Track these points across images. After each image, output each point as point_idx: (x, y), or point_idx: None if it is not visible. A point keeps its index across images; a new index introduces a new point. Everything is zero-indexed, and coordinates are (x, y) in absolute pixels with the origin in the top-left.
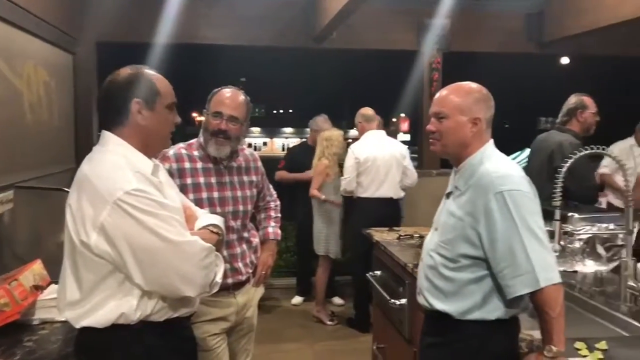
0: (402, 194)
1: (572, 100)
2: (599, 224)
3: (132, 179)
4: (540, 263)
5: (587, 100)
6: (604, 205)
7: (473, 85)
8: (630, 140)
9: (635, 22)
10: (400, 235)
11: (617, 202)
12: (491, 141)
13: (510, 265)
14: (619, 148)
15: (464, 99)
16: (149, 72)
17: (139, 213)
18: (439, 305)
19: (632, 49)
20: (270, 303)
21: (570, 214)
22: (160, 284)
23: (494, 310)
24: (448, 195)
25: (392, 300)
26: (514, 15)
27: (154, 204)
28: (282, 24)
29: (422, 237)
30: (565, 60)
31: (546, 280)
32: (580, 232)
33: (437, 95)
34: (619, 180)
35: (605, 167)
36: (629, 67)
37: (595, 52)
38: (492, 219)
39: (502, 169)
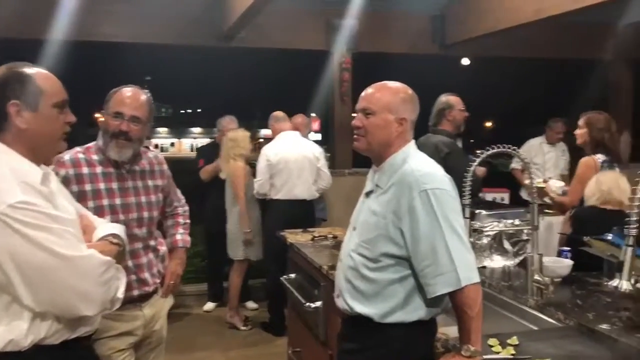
0: (316, 195)
1: (440, 101)
2: (505, 220)
3: (16, 190)
4: (461, 262)
5: (454, 99)
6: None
7: (401, 85)
8: (541, 138)
9: (534, 24)
10: (315, 237)
11: (526, 196)
12: (413, 141)
13: (433, 264)
14: (529, 145)
15: (393, 98)
16: (29, 69)
17: (26, 228)
18: (360, 307)
19: (531, 51)
20: (181, 311)
21: (477, 211)
22: (55, 304)
23: (415, 311)
24: (368, 194)
25: (307, 304)
26: (420, 17)
27: (42, 216)
28: (188, 21)
29: (336, 238)
30: (465, 61)
31: (467, 279)
32: (488, 228)
33: (366, 91)
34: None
35: (517, 162)
36: (528, 68)
37: (497, 54)
38: (415, 217)
39: (425, 167)
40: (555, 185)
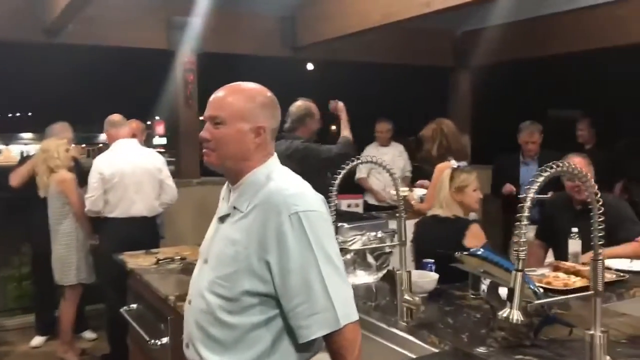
0: (159, 210)
1: (302, 107)
2: (368, 233)
3: None
4: (339, 297)
5: (314, 108)
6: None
7: (257, 87)
8: (375, 143)
9: (382, 29)
10: (159, 259)
11: (374, 201)
12: (275, 155)
13: (306, 302)
14: (368, 150)
15: (247, 103)
16: None
17: None
18: (216, 359)
19: (379, 55)
20: (3, 349)
21: (340, 224)
22: None
23: (285, 359)
24: (222, 218)
25: (152, 341)
26: (270, 18)
27: None
28: (6, 13)
29: (184, 259)
30: (312, 65)
31: (346, 317)
32: (351, 243)
33: (215, 95)
34: (373, 182)
35: (361, 171)
36: (376, 73)
37: (346, 58)
38: (285, 245)
39: (294, 186)
40: (417, 193)
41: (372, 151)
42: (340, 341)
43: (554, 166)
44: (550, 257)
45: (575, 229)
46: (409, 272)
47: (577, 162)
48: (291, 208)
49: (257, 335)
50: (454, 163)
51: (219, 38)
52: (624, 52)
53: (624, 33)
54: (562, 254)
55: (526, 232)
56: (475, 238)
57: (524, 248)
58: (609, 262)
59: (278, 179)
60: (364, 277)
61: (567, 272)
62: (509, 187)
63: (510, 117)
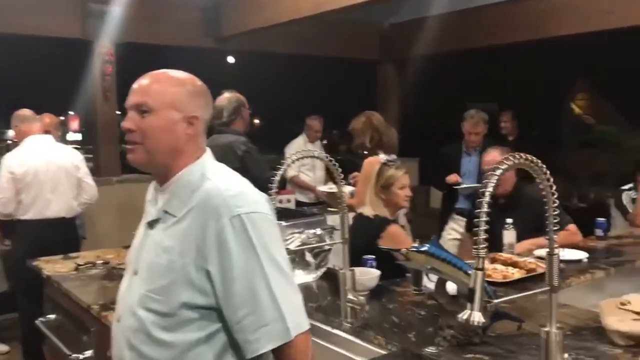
0: (78, 211)
1: (233, 98)
2: (307, 231)
3: None
4: (289, 305)
5: (243, 97)
6: None
7: (188, 75)
8: (303, 137)
9: (312, 19)
10: (79, 265)
11: (303, 198)
12: (209, 151)
13: (253, 313)
14: (296, 145)
15: (179, 89)
16: None
17: None
18: None
19: (308, 47)
20: None
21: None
22: None
23: None
24: (152, 223)
25: (74, 355)
26: (193, 7)
27: None
28: None
29: (107, 264)
30: (236, 57)
31: (297, 327)
32: (290, 242)
33: (139, 81)
34: (304, 177)
35: (293, 169)
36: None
37: (273, 49)
38: (227, 252)
39: (235, 185)
40: (348, 188)
41: (299, 146)
42: (291, 353)
43: (512, 159)
44: None
45: (509, 220)
46: (353, 271)
47: (495, 156)
48: (232, 210)
49: (198, 353)
50: (382, 157)
51: (139, 27)
52: (546, 45)
53: (545, 27)
54: (491, 246)
55: (486, 228)
56: (391, 240)
57: (483, 246)
58: (543, 252)
59: (215, 178)
60: (302, 277)
61: (505, 263)
62: (454, 177)
63: (436, 110)
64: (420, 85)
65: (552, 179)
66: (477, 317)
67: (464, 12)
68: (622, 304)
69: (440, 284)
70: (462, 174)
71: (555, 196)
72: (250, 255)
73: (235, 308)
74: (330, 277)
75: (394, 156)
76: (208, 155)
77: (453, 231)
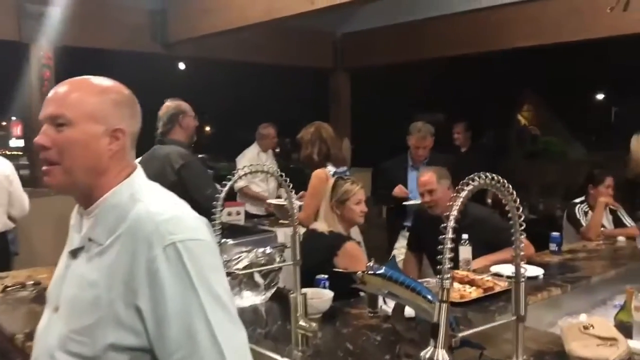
0: (10, 226)
1: (171, 106)
2: (257, 249)
3: None
4: (231, 347)
5: (185, 105)
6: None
7: (112, 82)
8: (255, 147)
9: (263, 26)
10: (7, 286)
11: (254, 210)
12: (140, 167)
13: (191, 355)
14: (247, 157)
15: (100, 99)
16: None
17: None
18: None
19: (258, 55)
20: None
21: (223, 240)
22: None
23: None
24: (75, 253)
25: None
26: (138, 11)
27: None
28: None
29: (39, 284)
30: (185, 63)
31: None
32: (237, 262)
33: (54, 91)
34: (255, 188)
35: (243, 180)
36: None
37: (223, 56)
38: (160, 286)
39: (169, 208)
40: (298, 202)
41: (252, 157)
42: None
43: (477, 179)
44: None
45: (465, 235)
46: (305, 295)
47: (430, 177)
48: (166, 238)
49: None
50: (330, 169)
51: (80, 30)
52: (498, 57)
53: (497, 40)
54: (434, 264)
55: (450, 256)
56: (348, 258)
57: (448, 276)
58: (499, 269)
59: (147, 200)
60: (251, 298)
61: (462, 281)
62: (400, 189)
63: (388, 120)
64: (373, 95)
65: (518, 200)
66: (442, 356)
67: (414, 24)
68: (585, 327)
69: (399, 309)
70: (410, 189)
71: (522, 219)
72: (186, 289)
73: (170, 350)
74: (281, 299)
75: (344, 168)
76: (138, 174)
77: (402, 248)
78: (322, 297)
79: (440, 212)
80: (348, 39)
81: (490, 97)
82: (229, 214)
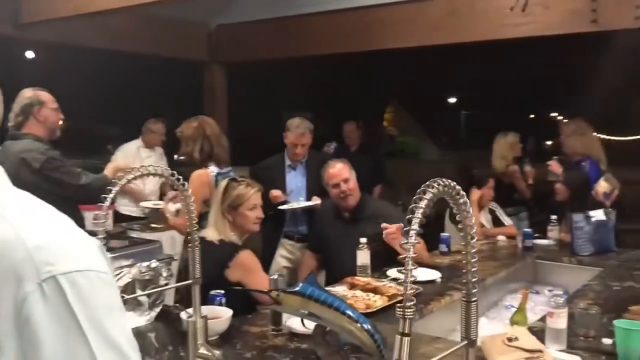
0: None
1: (25, 96)
2: (141, 264)
3: None
4: None
5: (45, 95)
6: None
7: None
8: (137, 142)
9: (132, 12)
10: None
11: (125, 210)
12: (2, 171)
13: None
14: (126, 150)
15: None
16: None
17: None
18: None
19: (124, 43)
20: None
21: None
22: None
23: None
24: None
25: None
26: None
27: None
28: None
29: None
30: (39, 49)
31: None
32: (118, 278)
33: None
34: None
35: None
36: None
37: (84, 43)
38: (33, 336)
39: (46, 228)
40: (174, 206)
41: (131, 151)
42: None
43: (436, 186)
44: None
45: (363, 240)
46: (206, 319)
47: (341, 169)
48: (43, 270)
49: None
50: (212, 170)
51: None
52: (372, 58)
53: (373, 40)
54: (335, 264)
55: (413, 278)
56: (243, 269)
57: (410, 304)
58: (398, 273)
59: (14, 216)
60: (133, 320)
61: (365, 289)
62: (276, 193)
63: (266, 117)
64: (251, 90)
65: (469, 205)
66: None
67: (292, 19)
68: (510, 339)
69: (320, 331)
70: (288, 190)
71: (473, 223)
72: (72, 338)
73: None
74: (168, 319)
75: (227, 169)
76: (1, 179)
77: (283, 259)
78: (219, 316)
79: (354, 202)
80: (224, 31)
81: (367, 96)
82: (95, 218)
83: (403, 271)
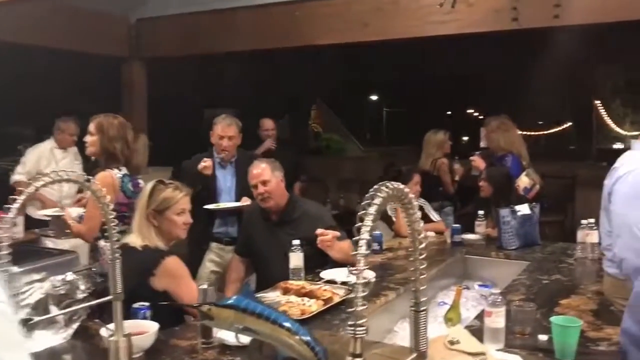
0: None
1: None
2: (55, 278)
3: None
4: None
5: None
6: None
7: None
8: (50, 142)
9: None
10: None
11: (39, 214)
12: None
13: None
14: (39, 152)
15: None
16: None
17: None
18: None
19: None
20: None
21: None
22: None
23: None
24: None
25: None
26: None
27: None
28: None
29: None
30: None
31: None
32: (28, 295)
33: None
34: (44, 190)
35: (21, 173)
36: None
37: None
38: None
39: None
40: (75, 211)
41: (44, 153)
42: None
43: (384, 190)
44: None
45: (296, 242)
46: (129, 337)
47: (265, 169)
48: None
49: None
50: (116, 172)
51: None
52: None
53: (301, 35)
54: (265, 269)
55: (365, 293)
56: (169, 276)
57: (362, 321)
58: (332, 275)
59: None
60: (47, 339)
61: (299, 293)
62: (206, 162)
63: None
64: (174, 87)
65: (417, 210)
66: None
67: (217, 13)
68: (451, 342)
69: (256, 345)
70: (219, 190)
71: (422, 235)
72: None
73: None
74: (86, 336)
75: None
76: None
77: (211, 263)
78: (144, 331)
79: (274, 205)
80: (144, 25)
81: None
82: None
83: (352, 286)
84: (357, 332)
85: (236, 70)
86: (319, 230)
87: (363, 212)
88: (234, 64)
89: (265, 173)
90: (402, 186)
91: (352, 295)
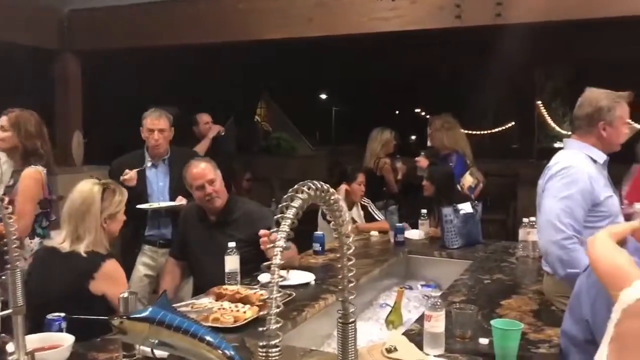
0: None
1: None
2: None
3: None
4: None
5: None
6: None
7: None
8: None
9: None
10: None
11: None
12: None
13: None
14: None
15: None
16: None
17: None
18: None
19: None
20: None
21: None
22: None
23: None
24: None
25: None
26: None
27: None
28: None
29: None
30: None
31: None
32: None
33: None
34: None
35: None
36: None
37: None
38: None
39: None
40: None
41: None
42: None
43: (305, 191)
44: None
45: (232, 244)
46: (32, 354)
47: (206, 169)
48: None
49: None
50: (41, 169)
51: None
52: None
53: (245, 30)
54: (202, 272)
55: (279, 309)
56: (109, 279)
57: (276, 342)
58: (264, 277)
59: None
60: None
61: (233, 299)
62: (127, 176)
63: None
64: (110, 82)
65: (344, 210)
66: None
67: (154, 5)
68: (388, 350)
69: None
70: (150, 191)
71: (351, 239)
72: None
73: None
74: None
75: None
76: None
77: (144, 267)
78: (58, 344)
79: (220, 205)
80: (78, 16)
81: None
82: None
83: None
84: (270, 355)
85: (178, 66)
86: (262, 231)
87: (280, 215)
88: (176, 60)
89: (209, 172)
90: (326, 186)
91: (264, 312)
